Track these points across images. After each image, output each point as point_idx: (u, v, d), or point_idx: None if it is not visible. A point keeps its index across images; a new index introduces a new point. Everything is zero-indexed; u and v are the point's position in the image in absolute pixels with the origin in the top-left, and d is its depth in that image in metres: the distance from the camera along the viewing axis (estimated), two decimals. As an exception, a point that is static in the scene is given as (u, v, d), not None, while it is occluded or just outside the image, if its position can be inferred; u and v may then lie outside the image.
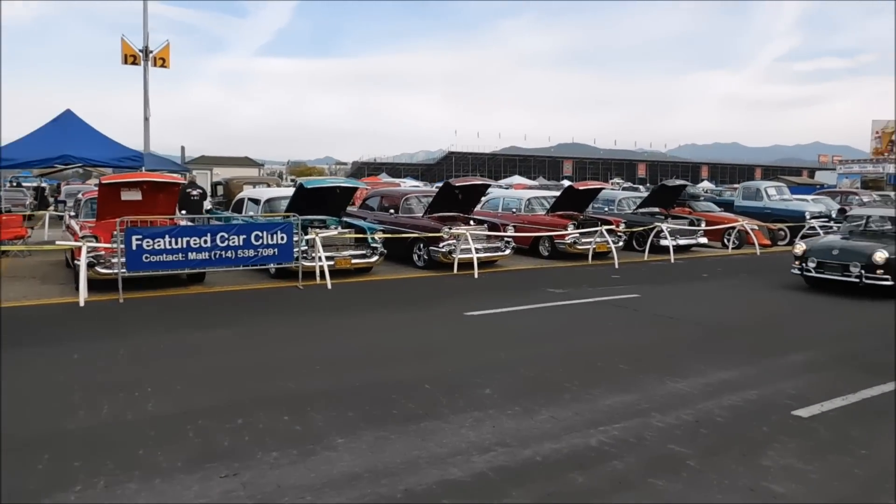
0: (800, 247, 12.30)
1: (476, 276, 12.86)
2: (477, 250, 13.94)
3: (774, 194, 22.58)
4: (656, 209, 19.13)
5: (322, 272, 11.42)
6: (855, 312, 10.21)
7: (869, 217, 13.42)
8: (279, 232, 11.14)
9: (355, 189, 13.51)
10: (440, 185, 16.54)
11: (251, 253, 10.92)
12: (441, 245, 13.53)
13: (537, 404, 5.69)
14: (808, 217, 20.63)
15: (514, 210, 17.24)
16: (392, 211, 15.17)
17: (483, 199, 19.34)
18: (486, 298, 10.51)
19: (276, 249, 11.12)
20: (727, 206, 23.19)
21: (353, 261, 12.55)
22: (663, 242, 17.27)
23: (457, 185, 14.14)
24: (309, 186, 12.33)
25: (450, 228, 13.67)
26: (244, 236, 10.83)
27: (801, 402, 5.86)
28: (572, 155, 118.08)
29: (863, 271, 11.11)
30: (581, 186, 16.53)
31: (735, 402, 5.85)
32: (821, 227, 20.10)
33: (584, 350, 7.56)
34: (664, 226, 16.41)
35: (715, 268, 15.29)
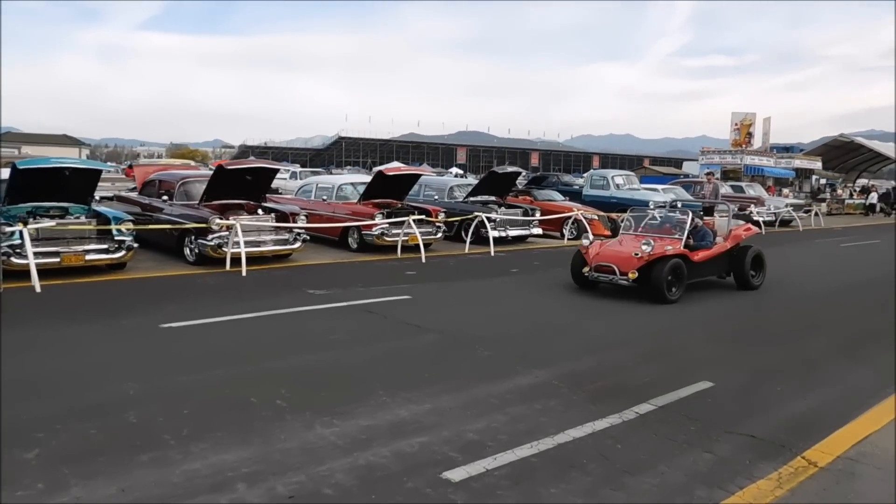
0: None
1: (244, 273, 11.00)
2: (257, 243, 12.19)
3: (622, 183, 21.83)
4: (492, 198, 17.83)
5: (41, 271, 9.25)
6: (643, 318, 9.05)
7: None
8: (-36, 222, 8.91)
9: (98, 171, 11.28)
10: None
11: (-80, 248, 8.63)
12: (209, 238, 11.58)
13: (81, 475, 3.92)
14: (651, 206, 19.87)
15: (324, 198, 15.46)
16: (166, 197, 13.04)
17: (300, 184, 17.61)
18: (218, 303, 8.70)
19: (-41, 244, 8.88)
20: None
21: (89, 257, 10.42)
22: (491, 233, 16.02)
23: (230, 168, 12.17)
24: (22, 167, 10.07)
25: (222, 218, 11.74)
26: None
27: (469, 455, 4.37)
28: (470, 143, 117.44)
29: None
30: (391, 172, 14.90)
31: (377, 459, 4.29)
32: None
33: (259, 377, 5.85)
34: (485, 215, 15.05)
35: (532, 261, 14.08)
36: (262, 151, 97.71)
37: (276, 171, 13.17)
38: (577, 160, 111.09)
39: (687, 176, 38.10)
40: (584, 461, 4.40)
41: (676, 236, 10.17)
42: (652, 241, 9.74)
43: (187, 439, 4.47)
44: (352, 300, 9.16)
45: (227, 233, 11.62)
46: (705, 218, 12.10)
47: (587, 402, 5.43)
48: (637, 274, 9.48)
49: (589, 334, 7.83)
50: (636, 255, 9.61)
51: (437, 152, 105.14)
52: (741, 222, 11.83)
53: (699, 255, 10.34)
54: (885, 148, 43.45)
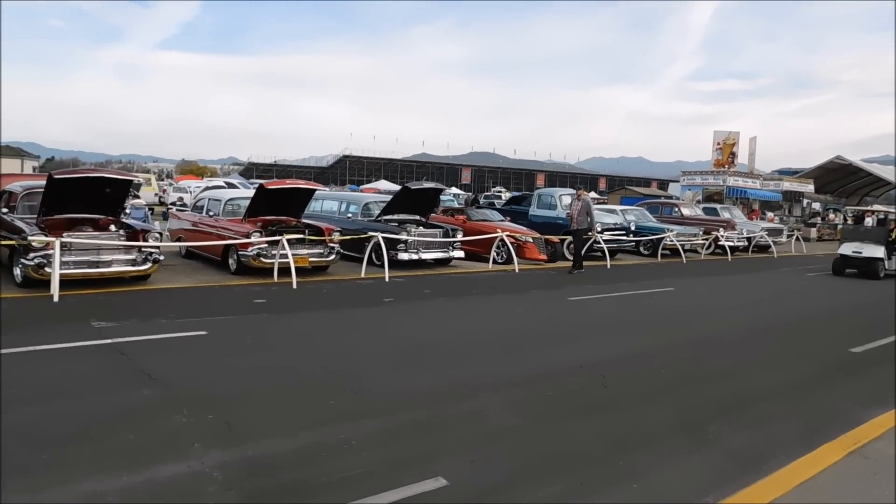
0: None
1: (56, 298, 9.49)
2: (95, 263, 10.76)
3: (569, 203, 20.06)
4: (415, 217, 16.23)
5: None
6: (484, 367, 7.34)
7: None
8: None
9: None
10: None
11: None
12: (31, 257, 10.11)
13: None
14: (597, 229, 18.15)
15: (212, 213, 13.96)
16: (7, 210, 11.64)
17: (196, 198, 16.26)
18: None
19: None
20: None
21: None
22: (401, 256, 14.47)
23: (58, 177, 10.68)
24: None
25: (47, 234, 10.27)
26: None
27: None
28: (475, 163, 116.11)
29: None
30: (272, 185, 13.35)
31: None
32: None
33: None
34: (383, 236, 13.44)
35: (423, 289, 12.38)
36: (267, 168, 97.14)
37: (129, 182, 11.65)
38: (583, 181, 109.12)
39: (670, 197, 36.31)
40: None
41: None
42: None
43: None
44: (130, 335, 7.55)
45: (51, 251, 10.15)
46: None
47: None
48: None
49: (376, 389, 6.14)
50: None
51: (442, 172, 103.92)
52: None
53: None
54: (886, 171, 41.15)
